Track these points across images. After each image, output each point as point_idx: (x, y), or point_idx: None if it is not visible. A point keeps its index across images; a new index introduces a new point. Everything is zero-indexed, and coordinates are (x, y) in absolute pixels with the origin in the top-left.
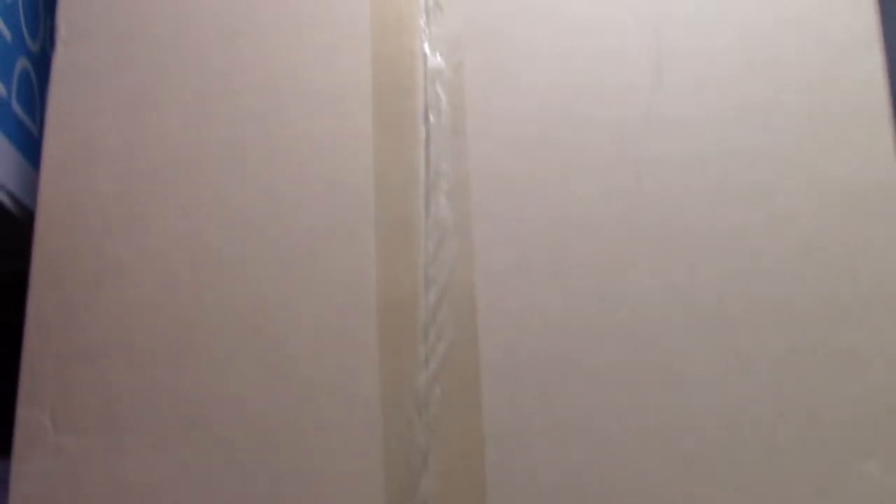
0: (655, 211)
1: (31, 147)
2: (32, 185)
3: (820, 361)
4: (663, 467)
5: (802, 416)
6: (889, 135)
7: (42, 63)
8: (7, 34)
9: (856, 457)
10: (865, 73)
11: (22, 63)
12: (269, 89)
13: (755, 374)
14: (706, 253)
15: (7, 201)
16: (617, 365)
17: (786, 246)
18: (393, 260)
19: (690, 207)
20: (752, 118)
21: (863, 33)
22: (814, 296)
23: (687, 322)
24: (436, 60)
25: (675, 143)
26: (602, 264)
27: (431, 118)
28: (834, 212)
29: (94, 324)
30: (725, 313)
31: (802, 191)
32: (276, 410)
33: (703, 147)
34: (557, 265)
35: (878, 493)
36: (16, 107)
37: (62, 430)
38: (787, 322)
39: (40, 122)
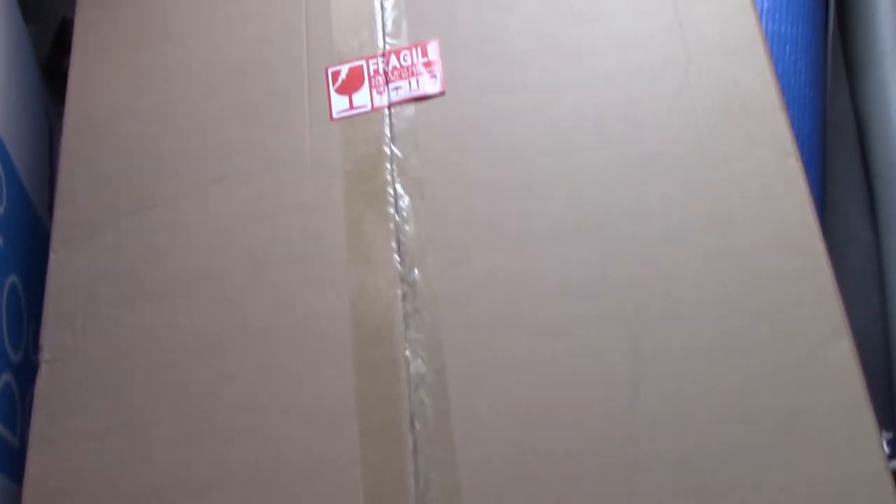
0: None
1: (12, 462)
2: (13, 499)
3: None
4: None
5: None
6: (871, 423)
7: (24, 372)
8: None
9: None
10: (839, 361)
11: (4, 378)
12: (253, 406)
13: None
14: None
15: None
16: None
17: None
18: None
19: None
20: (731, 413)
21: (830, 322)
22: None
23: None
24: (417, 366)
25: (661, 442)
26: None
27: (417, 426)
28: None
29: None
30: None
31: (787, 487)
32: None
33: (687, 445)
34: None
35: None
36: None
37: None
38: None
39: (21, 436)
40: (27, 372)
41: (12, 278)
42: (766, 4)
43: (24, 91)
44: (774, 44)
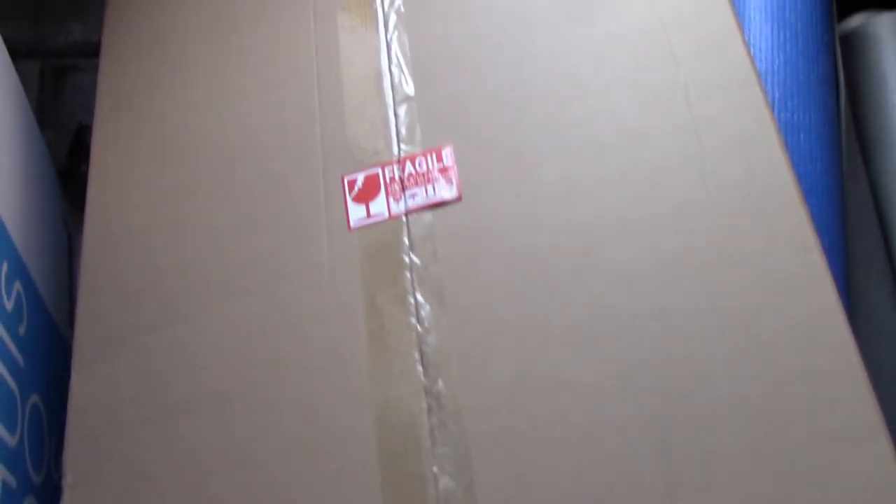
0: None
1: None
2: None
3: None
4: None
5: None
6: None
7: (46, 493)
8: (12, 481)
9: None
10: (876, 464)
11: (28, 502)
12: None
13: None
14: None
15: None
16: None
17: None
18: None
19: None
20: None
21: (865, 424)
22: None
23: None
24: (445, 482)
25: None
26: None
27: None
28: None
29: None
30: None
31: None
32: None
33: None
34: None
35: None
36: None
37: None
38: None
39: None
40: (49, 493)
41: (34, 398)
42: (776, 94)
43: (43, 202)
44: (788, 133)
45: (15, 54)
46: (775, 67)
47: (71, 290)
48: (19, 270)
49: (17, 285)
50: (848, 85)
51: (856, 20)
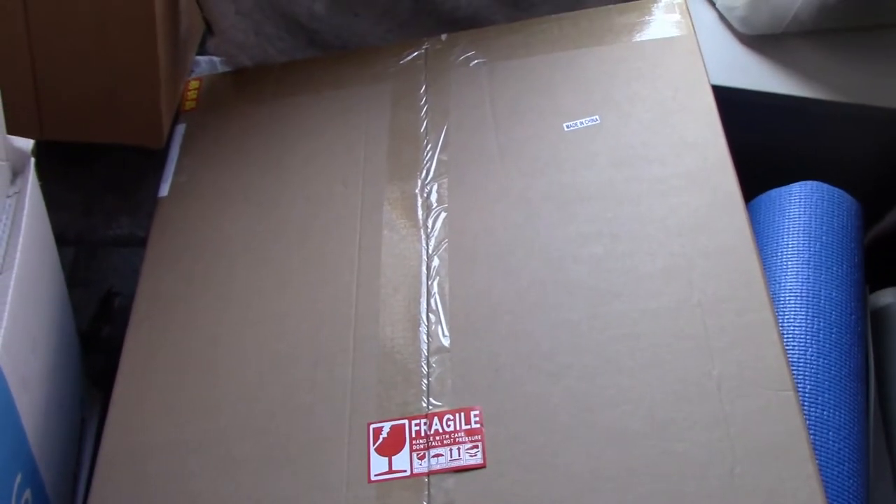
0: None
1: None
2: None
3: None
4: None
5: None
6: None
7: None
8: None
9: None
10: None
11: None
12: None
13: None
14: None
15: None
16: None
17: None
18: None
19: None
20: None
21: None
22: None
23: None
24: None
25: None
26: None
27: None
28: None
29: None
30: None
31: None
32: None
33: None
34: None
35: None
36: None
37: None
38: None
39: None
40: None
41: None
42: (808, 387)
43: (63, 391)
44: (816, 431)
45: (61, 242)
46: (808, 357)
47: (77, 475)
48: (32, 479)
49: (27, 494)
50: (877, 362)
51: (887, 296)
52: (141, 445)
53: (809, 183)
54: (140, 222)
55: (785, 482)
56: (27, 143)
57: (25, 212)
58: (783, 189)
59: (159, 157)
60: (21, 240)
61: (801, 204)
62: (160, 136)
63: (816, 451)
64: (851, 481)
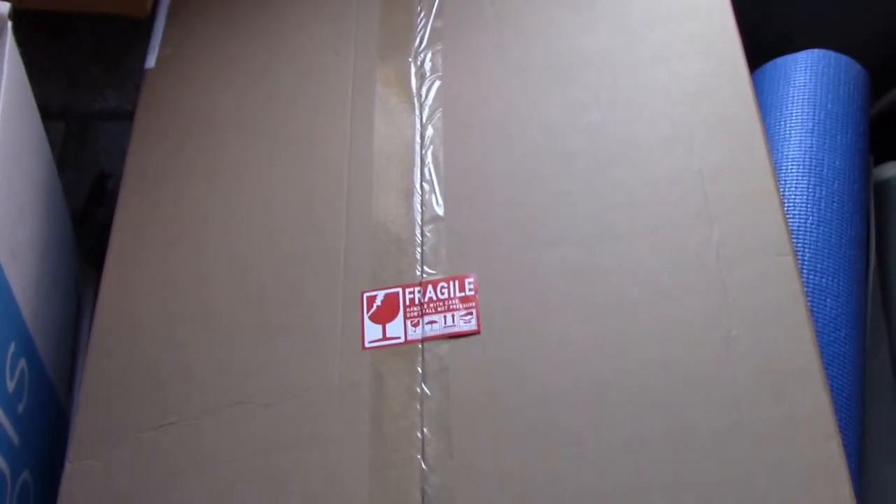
0: None
1: None
2: None
3: None
4: None
5: None
6: None
7: None
8: None
9: None
10: None
11: None
12: None
13: None
14: None
15: None
16: None
17: None
18: None
19: None
20: None
21: None
22: None
23: None
24: None
25: None
26: None
27: None
28: None
29: None
30: None
31: None
32: None
33: None
34: None
35: None
36: None
37: None
38: None
39: None
40: None
41: (25, 475)
42: (807, 254)
43: (58, 266)
44: (815, 298)
45: (46, 115)
46: (808, 225)
47: (75, 352)
48: (26, 348)
49: (22, 363)
50: (878, 234)
51: (891, 169)
52: (134, 318)
53: (816, 51)
54: (127, 95)
55: (781, 346)
56: (4, 6)
57: (4, 76)
58: (789, 57)
59: (145, 28)
60: (1, 105)
61: (807, 72)
62: (144, 5)
63: (814, 317)
64: (847, 347)
